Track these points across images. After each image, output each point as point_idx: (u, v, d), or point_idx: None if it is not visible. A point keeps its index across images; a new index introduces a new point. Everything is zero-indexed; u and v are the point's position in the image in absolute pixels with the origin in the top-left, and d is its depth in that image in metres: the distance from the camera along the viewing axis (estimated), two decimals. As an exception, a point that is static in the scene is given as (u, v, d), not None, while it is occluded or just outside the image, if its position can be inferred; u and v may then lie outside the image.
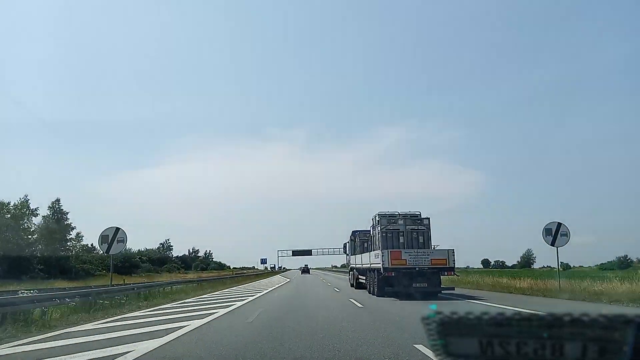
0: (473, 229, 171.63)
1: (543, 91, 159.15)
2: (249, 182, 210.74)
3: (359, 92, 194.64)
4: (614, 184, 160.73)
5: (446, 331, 1.16)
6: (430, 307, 1.22)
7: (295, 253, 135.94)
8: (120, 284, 20.41)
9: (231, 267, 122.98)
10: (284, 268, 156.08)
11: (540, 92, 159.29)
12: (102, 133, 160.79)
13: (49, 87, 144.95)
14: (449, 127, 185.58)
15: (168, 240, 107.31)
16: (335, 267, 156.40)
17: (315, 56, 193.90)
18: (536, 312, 1.15)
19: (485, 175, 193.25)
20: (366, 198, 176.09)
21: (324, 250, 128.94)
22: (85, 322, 11.24)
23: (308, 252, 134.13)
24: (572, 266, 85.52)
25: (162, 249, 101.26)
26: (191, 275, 56.02)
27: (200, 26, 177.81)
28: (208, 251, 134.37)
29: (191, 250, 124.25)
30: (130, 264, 59.80)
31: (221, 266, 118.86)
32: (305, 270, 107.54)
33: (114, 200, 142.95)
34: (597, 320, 1.06)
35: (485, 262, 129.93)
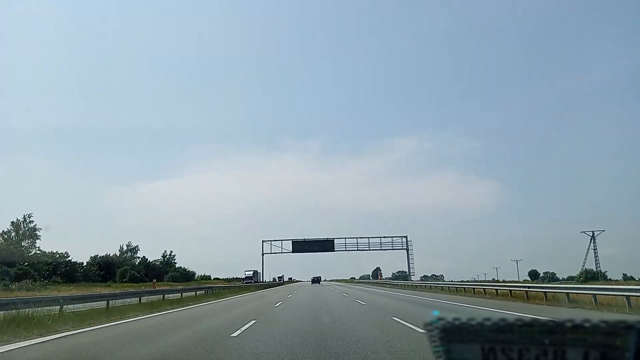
0: (489, 241, 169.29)
1: (562, 100, 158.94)
2: (263, 192, 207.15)
3: (373, 103, 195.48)
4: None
5: (448, 337, 1.16)
6: (433, 312, 1.22)
7: (299, 247, 77.38)
8: None
9: (212, 278, 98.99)
10: (290, 279, 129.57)
11: (559, 102, 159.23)
12: (114, 143, 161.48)
13: (60, 95, 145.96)
14: (463, 137, 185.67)
15: (30, 216, 61.04)
16: (353, 278, 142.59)
17: (330, 67, 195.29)
18: (538, 317, 1.16)
19: (502, 185, 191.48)
20: (381, 209, 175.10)
21: (359, 241, 75.11)
22: None
23: (326, 245, 76.05)
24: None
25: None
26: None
27: (214, 37, 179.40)
28: (168, 253, 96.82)
29: (124, 249, 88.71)
30: None
31: (186, 276, 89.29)
32: (316, 280, 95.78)
33: (124, 209, 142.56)
34: (598, 326, 1.06)
35: (534, 274, 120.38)
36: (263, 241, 79.89)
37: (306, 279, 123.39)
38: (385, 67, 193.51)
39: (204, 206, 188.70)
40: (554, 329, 1.10)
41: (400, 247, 77.02)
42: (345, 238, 77.06)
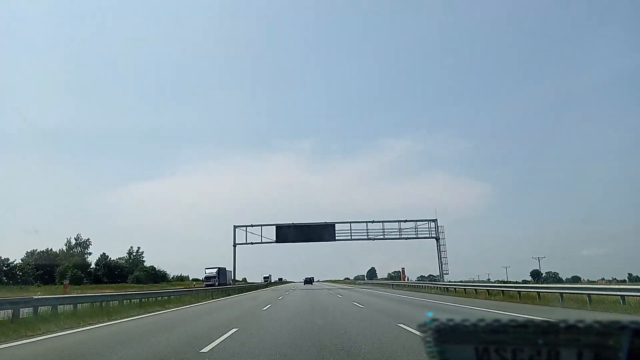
0: (485, 240, 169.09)
1: (553, 103, 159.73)
2: (255, 193, 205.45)
3: (366, 103, 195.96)
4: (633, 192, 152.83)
5: (442, 338, 1.16)
6: (427, 314, 1.22)
7: (285, 235, 55.42)
8: None
9: (190, 278, 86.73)
10: (280, 279, 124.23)
11: (550, 105, 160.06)
12: (106, 144, 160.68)
13: (50, 97, 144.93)
14: (456, 138, 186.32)
15: None
16: (348, 278, 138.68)
17: (323, 68, 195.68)
18: (532, 318, 1.16)
19: (493, 186, 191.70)
20: (374, 209, 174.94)
21: (371, 227, 55.14)
22: None
23: (323, 233, 55.44)
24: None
25: None
26: None
27: (207, 38, 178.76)
28: (135, 250, 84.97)
29: (72, 243, 71.94)
30: None
31: (154, 277, 77.07)
32: (308, 281, 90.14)
33: (116, 212, 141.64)
34: (592, 326, 1.06)
35: (536, 274, 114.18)
36: (235, 227, 56.32)
37: (298, 280, 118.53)
38: (378, 68, 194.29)
39: (193, 207, 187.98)
40: (548, 329, 1.10)
41: (427, 236, 56.19)
42: (350, 222, 55.78)
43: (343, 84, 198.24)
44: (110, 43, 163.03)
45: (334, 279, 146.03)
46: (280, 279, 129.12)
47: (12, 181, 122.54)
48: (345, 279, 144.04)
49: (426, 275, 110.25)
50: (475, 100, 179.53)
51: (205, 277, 63.11)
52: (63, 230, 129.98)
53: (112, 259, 78.64)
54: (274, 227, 56.08)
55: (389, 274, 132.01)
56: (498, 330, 1.14)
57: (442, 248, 55.19)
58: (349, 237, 55.96)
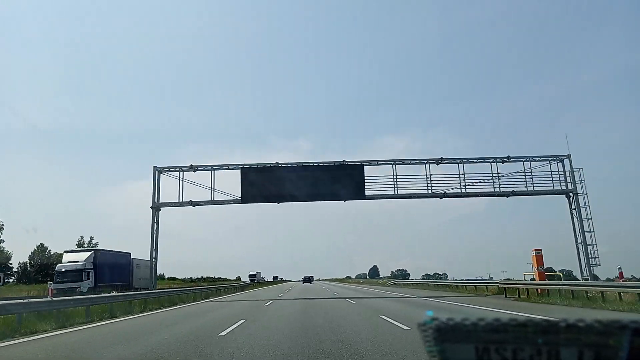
0: (484, 240, 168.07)
1: (553, 102, 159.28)
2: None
3: (365, 102, 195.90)
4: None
5: (442, 337, 1.16)
6: (427, 313, 1.22)
7: (260, 186, 28.65)
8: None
9: (165, 277, 76.70)
10: (276, 278, 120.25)
11: (550, 104, 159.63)
12: (105, 144, 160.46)
13: (47, 95, 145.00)
14: (455, 137, 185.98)
15: None
16: (349, 277, 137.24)
17: (322, 67, 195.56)
18: (532, 317, 1.16)
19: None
20: (374, 208, 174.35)
21: (435, 170, 29.58)
22: None
23: (337, 183, 28.48)
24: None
25: None
26: None
27: (204, 37, 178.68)
28: (87, 241, 75.50)
29: None
30: None
31: None
32: (307, 280, 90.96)
33: (113, 210, 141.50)
34: (592, 326, 1.06)
35: (549, 271, 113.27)
36: (158, 171, 29.84)
37: (296, 279, 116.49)
38: (377, 67, 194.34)
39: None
40: (548, 328, 1.10)
41: (550, 189, 30.31)
42: (394, 162, 29.89)
43: (342, 83, 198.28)
44: (110, 42, 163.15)
45: (334, 277, 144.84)
46: (275, 278, 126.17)
47: (11, 181, 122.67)
48: (347, 277, 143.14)
49: (431, 274, 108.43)
50: (475, 99, 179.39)
51: (57, 273, 34.47)
52: (62, 229, 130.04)
53: (54, 252, 62.59)
54: (239, 170, 29.47)
55: (392, 272, 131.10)
56: (498, 330, 1.14)
57: (582, 212, 29.28)
58: (393, 192, 29.56)
